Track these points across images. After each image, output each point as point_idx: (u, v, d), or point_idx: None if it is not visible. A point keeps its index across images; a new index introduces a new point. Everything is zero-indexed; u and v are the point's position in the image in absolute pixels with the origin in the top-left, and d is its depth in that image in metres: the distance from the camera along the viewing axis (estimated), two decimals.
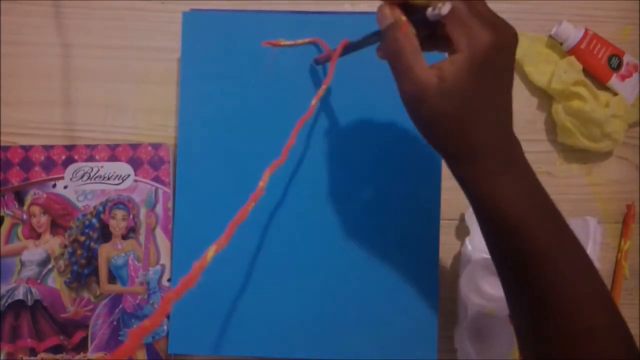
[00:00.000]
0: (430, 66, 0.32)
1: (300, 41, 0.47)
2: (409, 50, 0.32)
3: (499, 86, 0.32)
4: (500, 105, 0.32)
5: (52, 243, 0.49)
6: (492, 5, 0.53)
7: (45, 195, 0.49)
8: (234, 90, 0.48)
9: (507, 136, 0.33)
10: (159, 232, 0.49)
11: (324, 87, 0.42)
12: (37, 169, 0.49)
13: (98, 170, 0.49)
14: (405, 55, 0.32)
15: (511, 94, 0.33)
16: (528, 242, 0.32)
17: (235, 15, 0.48)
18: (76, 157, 0.49)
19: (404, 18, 0.32)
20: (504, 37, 0.31)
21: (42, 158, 0.49)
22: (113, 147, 0.49)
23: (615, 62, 0.49)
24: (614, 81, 0.50)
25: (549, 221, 0.32)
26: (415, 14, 0.33)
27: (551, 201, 0.33)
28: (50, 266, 0.49)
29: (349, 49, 0.40)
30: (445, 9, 0.31)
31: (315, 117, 0.47)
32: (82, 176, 0.49)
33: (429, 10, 0.31)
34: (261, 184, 0.36)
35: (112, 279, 0.48)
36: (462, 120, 0.31)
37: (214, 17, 0.48)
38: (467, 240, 0.48)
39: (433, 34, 0.33)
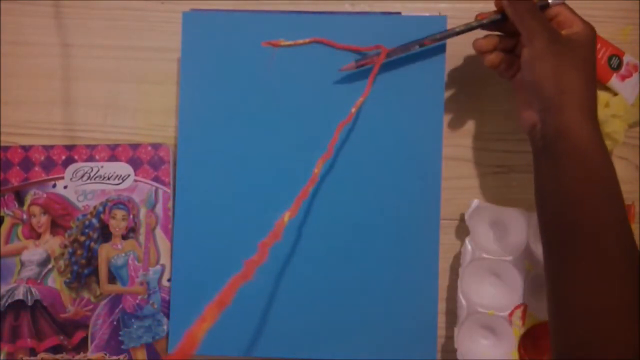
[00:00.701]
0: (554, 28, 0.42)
1: (300, 41, 0.47)
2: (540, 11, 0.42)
3: (594, 62, 0.42)
4: (595, 74, 0.42)
5: (52, 243, 0.49)
6: (492, 6, 0.53)
7: (45, 195, 0.49)
8: (234, 90, 0.48)
9: (595, 97, 0.41)
10: (159, 232, 0.49)
11: (362, 98, 0.45)
12: (37, 169, 0.49)
13: (98, 170, 0.49)
14: (540, 12, 0.41)
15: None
16: (603, 169, 0.39)
17: (235, 15, 0.48)
18: (76, 157, 0.49)
19: None
20: (594, 30, 0.42)
21: (42, 158, 0.49)
22: (113, 147, 0.49)
23: (615, 62, 0.49)
24: (614, 81, 0.50)
25: (607, 159, 0.40)
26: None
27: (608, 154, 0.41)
28: (50, 266, 0.49)
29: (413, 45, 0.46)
30: None
31: (316, 118, 0.47)
32: (82, 176, 0.49)
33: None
34: (315, 170, 0.41)
35: (112, 279, 0.48)
36: (581, 67, 0.40)
37: (214, 17, 0.48)
38: (467, 240, 0.48)
39: (513, 61, 0.44)
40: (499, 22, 0.44)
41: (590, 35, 0.41)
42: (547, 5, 0.43)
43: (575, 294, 0.37)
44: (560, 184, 0.39)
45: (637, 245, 0.39)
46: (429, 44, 0.45)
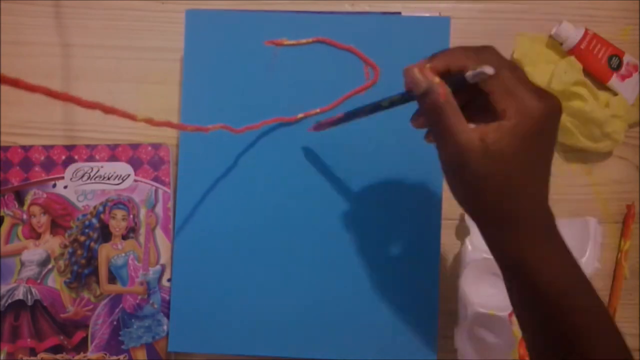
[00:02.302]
0: (472, 129, 0.31)
1: (303, 40, 0.47)
2: (450, 113, 0.31)
3: (543, 156, 0.32)
4: (541, 175, 0.32)
5: (52, 243, 0.49)
6: (492, 6, 0.53)
7: (45, 195, 0.49)
8: (236, 89, 0.48)
9: (546, 207, 0.32)
10: (159, 232, 0.49)
11: (318, 110, 0.46)
12: (37, 169, 0.49)
13: (98, 170, 0.49)
14: (446, 119, 0.31)
15: (551, 165, 0.33)
16: (569, 315, 0.31)
17: (238, 14, 0.48)
18: (76, 157, 0.49)
19: (437, 79, 0.31)
20: (553, 107, 0.31)
21: (42, 158, 0.49)
22: (113, 147, 0.49)
23: (615, 62, 0.49)
24: (614, 81, 0.50)
25: (587, 295, 0.32)
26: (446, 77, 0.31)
27: (585, 276, 0.33)
28: (50, 266, 0.49)
29: (363, 112, 0.38)
30: (489, 70, 0.29)
31: (317, 117, 0.47)
32: (82, 176, 0.49)
33: (469, 73, 0.30)
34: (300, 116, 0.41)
35: (112, 279, 0.48)
36: (506, 186, 0.31)
37: (217, 16, 0.48)
38: (467, 240, 0.48)
39: (466, 104, 0.32)
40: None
41: (529, 128, 0.30)
42: (464, 81, 0.31)
43: None
44: (541, 336, 0.33)
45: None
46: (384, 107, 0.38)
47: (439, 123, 0.31)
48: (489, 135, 0.30)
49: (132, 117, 0.33)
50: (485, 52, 0.32)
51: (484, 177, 0.31)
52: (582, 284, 0.32)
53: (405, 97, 0.35)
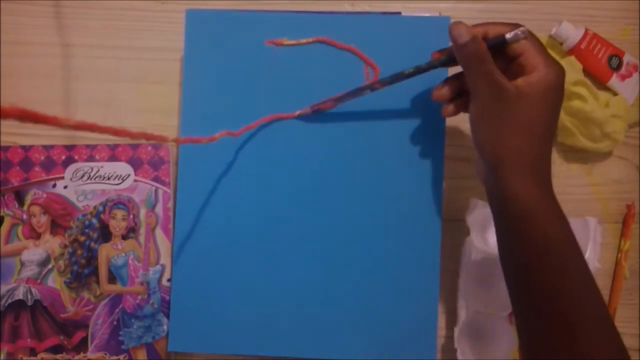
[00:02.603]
0: (506, 80, 0.37)
1: (303, 40, 0.47)
2: (489, 60, 0.37)
3: (557, 111, 0.38)
4: (553, 128, 0.38)
5: (52, 243, 0.49)
6: (492, 5, 0.53)
7: (45, 195, 0.49)
8: (236, 89, 0.48)
9: (545, 156, 0.38)
10: (159, 232, 0.49)
11: (308, 110, 0.47)
12: (37, 169, 0.49)
13: (98, 170, 0.49)
14: (487, 63, 0.37)
15: (556, 127, 0.40)
16: (541, 237, 0.36)
17: (238, 14, 0.48)
18: (76, 157, 0.49)
19: (478, 34, 0.38)
20: (563, 70, 0.38)
21: (42, 158, 0.49)
22: (113, 147, 0.49)
23: (615, 62, 0.49)
24: (614, 81, 0.50)
25: (559, 220, 0.37)
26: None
27: (562, 213, 0.37)
28: (50, 266, 0.49)
29: (391, 80, 0.43)
30: (525, 31, 0.37)
31: (317, 116, 0.47)
32: (82, 176, 0.49)
33: (510, 34, 0.37)
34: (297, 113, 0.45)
35: (112, 279, 0.48)
36: (528, 126, 0.37)
37: (217, 16, 0.48)
38: (467, 240, 0.48)
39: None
40: (452, 62, 0.41)
41: (553, 82, 0.37)
42: (504, 43, 0.38)
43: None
44: (516, 256, 0.37)
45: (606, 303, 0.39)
46: (380, 87, 0.43)
47: (480, 68, 0.37)
48: (520, 84, 0.37)
49: (164, 139, 0.34)
50: (515, 25, 0.39)
51: (514, 115, 0.37)
52: (557, 211, 0.37)
53: (439, 62, 0.41)
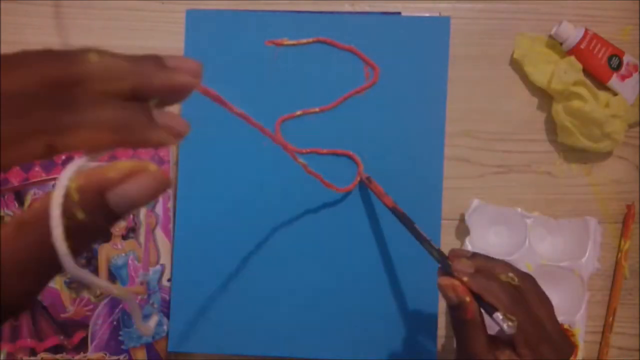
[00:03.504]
0: (488, 350, 0.33)
1: (303, 40, 0.47)
2: (472, 332, 0.34)
3: None
4: None
5: None
6: (493, 5, 0.53)
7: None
8: (237, 89, 0.48)
9: None
10: (159, 232, 0.49)
11: (317, 110, 0.47)
12: (37, 169, 0.49)
13: None
14: (468, 333, 0.34)
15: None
16: None
17: (238, 14, 0.48)
18: (76, 157, 0.49)
19: (467, 298, 0.34)
20: (565, 357, 0.34)
21: None
22: None
23: (615, 62, 0.49)
24: (614, 81, 0.50)
25: None
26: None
27: None
28: None
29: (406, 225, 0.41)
30: (510, 330, 0.32)
31: (317, 116, 0.47)
32: None
33: (500, 318, 0.33)
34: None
35: (112, 279, 0.48)
36: None
37: (217, 16, 0.48)
38: (467, 240, 0.48)
39: None
40: None
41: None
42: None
43: None
44: None
45: None
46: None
47: (461, 333, 0.34)
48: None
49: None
50: (526, 283, 0.35)
51: None
52: None
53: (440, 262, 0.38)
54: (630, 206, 0.50)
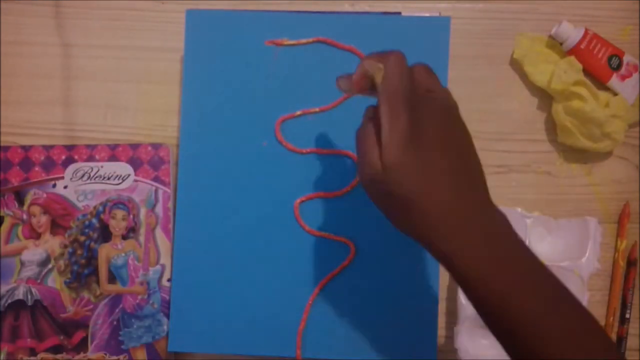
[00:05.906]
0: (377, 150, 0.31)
1: (303, 40, 0.47)
2: (367, 134, 0.32)
3: (450, 153, 0.31)
4: (459, 171, 0.31)
5: (52, 243, 0.49)
6: (492, 6, 0.53)
7: (45, 195, 0.49)
8: (236, 89, 0.48)
9: (479, 204, 0.31)
10: (159, 232, 0.49)
11: (317, 110, 0.47)
12: (37, 169, 0.49)
13: (98, 170, 0.49)
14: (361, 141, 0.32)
15: (472, 157, 0.32)
16: (515, 318, 0.31)
17: (238, 14, 0.48)
18: (76, 157, 0.49)
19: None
20: (441, 101, 0.33)
21: (42, 158, 0.49)
22: (113, 147, 0.49)
23: (615, 62, 0.49)
24: (614, 81, 0.50)
25: (539, 293, 0.30)
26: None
27: (545, 269, 0.31)
28: (50, 266, 0.48)
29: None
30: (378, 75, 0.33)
31: (317, 117, 0.47)
32: (82, 176, 0.49)
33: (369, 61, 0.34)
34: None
35: (112, 279, 0.48)
36: (418, 197, 0.29)
37: (217, 16, 0.48)
38: None
39: None
40: None
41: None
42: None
43: None
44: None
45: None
46: None
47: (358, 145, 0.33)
48: (384, 148, 0.30)
49: None
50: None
51: (391, 193, 0.30)
52: (535, 281, 0.31)
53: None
54: (625, 205, 0.50)
